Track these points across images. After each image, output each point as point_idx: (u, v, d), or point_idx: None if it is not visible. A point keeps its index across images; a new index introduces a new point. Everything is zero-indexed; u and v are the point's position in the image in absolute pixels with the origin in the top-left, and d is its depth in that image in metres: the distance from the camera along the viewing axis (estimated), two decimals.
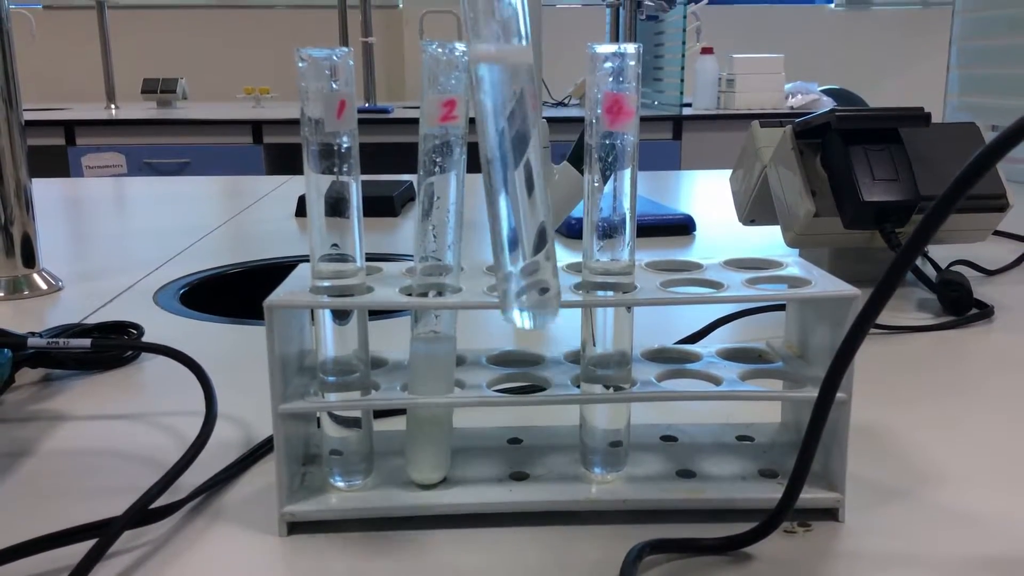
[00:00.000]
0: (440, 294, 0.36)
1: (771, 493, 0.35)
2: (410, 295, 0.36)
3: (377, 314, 0.65)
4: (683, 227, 0.99)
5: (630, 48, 0.33)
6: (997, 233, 0.88)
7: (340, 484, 0.37)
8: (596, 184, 0.35)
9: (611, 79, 0.33)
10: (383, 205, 1.11)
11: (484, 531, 0.35)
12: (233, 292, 0.83)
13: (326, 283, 0.35)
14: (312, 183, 0.34)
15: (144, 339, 0.58)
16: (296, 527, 0.36)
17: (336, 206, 0.35)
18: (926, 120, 0.70)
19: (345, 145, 0.34)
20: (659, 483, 0.38)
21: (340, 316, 0.36)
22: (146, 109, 3.05)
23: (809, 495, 0.35)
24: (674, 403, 0.47)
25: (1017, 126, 0.29)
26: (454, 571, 0.33)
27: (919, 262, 0.71)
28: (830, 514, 0.36)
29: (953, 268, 0.74)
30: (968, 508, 0.37)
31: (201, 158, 2.66)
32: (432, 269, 0.36)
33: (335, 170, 0.34)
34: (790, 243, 0.75)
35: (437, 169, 0.35)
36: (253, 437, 0.44)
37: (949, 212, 0.30)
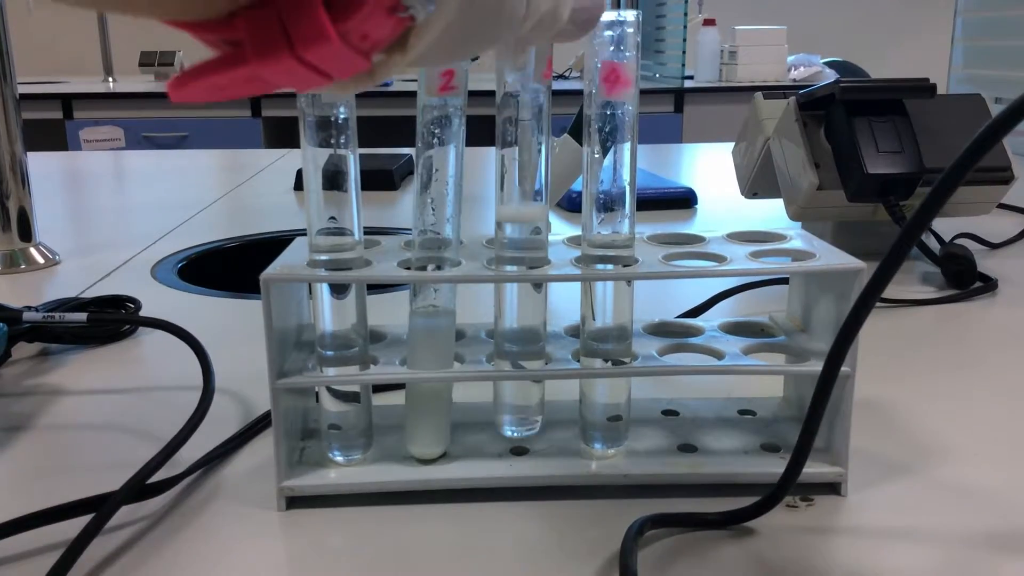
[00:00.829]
0: (439, 268, 0.35)
1: (773, 468, 0.35)
2: (409, 269, 0.35)
3: (376, 288, 0.65)
4: (685, 200, 0.98)
5: (629, 15, 0.33)
6: (1002, 206, 0.87)
7: (339, 459, 0.37)
8: (596, 156, 0.34)
9: (610, 48, 0.33)
10: (382, 179, 1.10)
11: (484, 506, 0.35)
12: (231, 266, 0.83)
13: (324, 256, 0.35)
14: (309, 156, 0.34)
15: (141, 313, 0.58)
16: (295, 502, 0.35)
17: (334, 179, 0.34)
18: (931, 91, 0.69)
19: (342, 117, 0.33)
20: (660, 457, 0.37)
21: (338, 290, 0.35)
22: (144, 82, 3.02)
23: (812, 469, 0.35)
24: (675, 377, 0.47)
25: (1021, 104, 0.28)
26: (454, 546, 0.33)
27: (923, 235, 0.71)
28: (833, 489, 0.36)
29: (957, 241, 0.74)
30: (971, 482, 0.37)
31: (200, 131, 2.64)
32: (431, 242, 0.35)
33: (332, 142, 0.33)
34: (793, 216, 0.74)
35: (436, 141, 0.34)
36: (251, 411, 0.44)
37: (956, 185, 0.29)
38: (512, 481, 0.36)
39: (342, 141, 0.33)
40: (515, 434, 0.38)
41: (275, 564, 0.32)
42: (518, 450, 0.38)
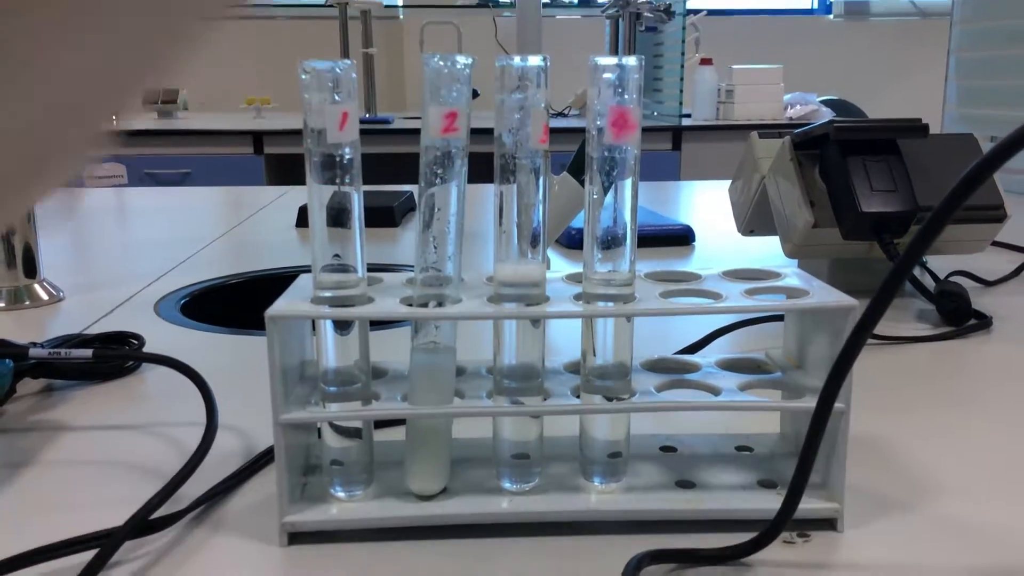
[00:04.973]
0: (440, 305, 0.36)
1: (770, 503, 0.35)
2: (410, 306, 0.36)
3: (378, 324, 0.65)
4: (683, 238, 0.99)
5: (631, 61, 0.34)
6: (995, 244, 0.88)
7: (341, 494, 0.37)
8: (596, 196, 0.35)
9: (613, 91, 0.34)
10: (383, 215, 1.11)
11: (484, 541, 0.36)
12: (234, 302, 0.83)
13: (327, 293, 0.36)
14: (314, 193, 0.34)
15: (145, 349, 0.58)
16: (297, 537, 0.36)
17: (338, 216, 0.35)
18: (924, 131, 0.70)
19: (347, 156, 0.34)
20: (659, 493, 0.38)
21: (341, 326, 0.36)
22: (147, 120, 3.06)
23: (808, 505, 0.35)
24: (673, 413, 0.47)
25: (1013, 137, 0.29)
26: None
27: (917, 273, 0.71)
28: (829, 524, 0.37)
29: (951, 279, 0.74)
30: (967, 518, 0.38)
31: (202, 169, 2.67)
32: (432, 280, 0.36)
33: (337, 181, 0.34)
34: (789, 254, 0.75)
35: (438, 180, 0.35)
36: (254, 447, 0.45)
37: (946, 222, 0.30)
38: (511, 517, 0.36)
39: (347, 180, 0.34)
40: (513, 487, 0.38)
41: None
42: None
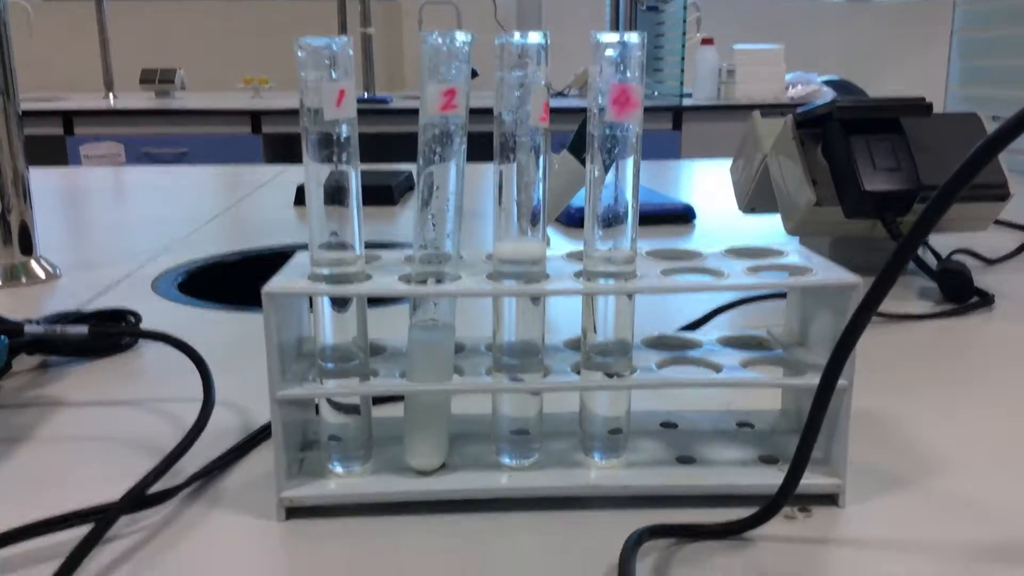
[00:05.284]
0: (439, 282, 0.35)
1: (771, 479, 0.35)
2: (409, 283, 0.35)
3: (376, 302, 0.65)
4: (683, 216, 0.98)
5: (634, 38, 0.33)
6: (998, 223, 0.87)
7: (338, 470, 0.37)
8: (597, 174, 0.35)
9: (615, 68, 0.33)
10: (382, 194, 1.11)
11: (483, 516, 0.35)
12: (232, 280, 0.83)
13: (325, 270, 0.35)
14: (311, 172, 0.34)
15: (142, 326, 0.58)
16: (294, 512, 0.35)
17: (335, 195, 0.35)
18: (927, 110, 0.69)
19: (344, 134, 0.34)
20: (659, 469, 0.38)
21: (339, 303, 0.36)
22: (144, 99, 3.04)
23: (809, 481, 0.35)
24: (674, 390, 0.47)
25: (1019, 117, 0.28)
26: (452, 556, 0.33)
27: (920, 251, 0.71)
28: (830, 500, 0.36)
29: (954, 257, 0.74)
30: (968, 495, 0.37)
31: (200, 148, 2.65)
32: (431, 257, 0.36)
33: (334, 159, 0.34)
34: (791, 232, 0.75)
35: (437, 158, 0.35)
36: (251, 424, 0.44)
37: (951, 202, 0.30)
38: (511, 492, 0.36)
39: (344, 157, 0.34)
40: (512, 463, 0.38)
41: (274, 573, 0.32)
42: None
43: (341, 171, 0.34)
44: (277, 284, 0.35)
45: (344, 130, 0.34)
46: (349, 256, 0.35)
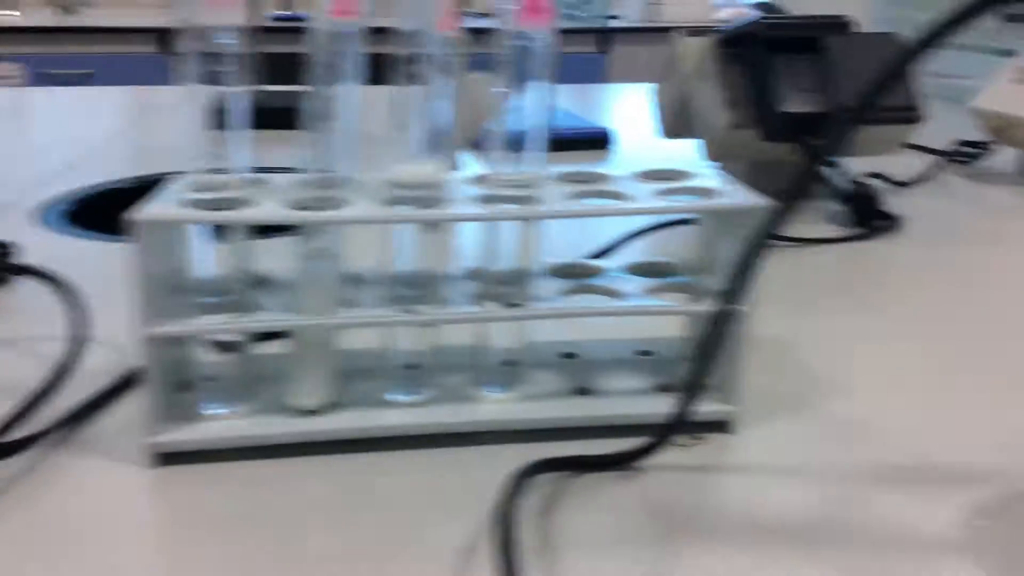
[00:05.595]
0: (327, 208, 0.33)
1: (666, 408, 0.34)
2: (296, 210, 0.33)
3: (266, 230, 0.62)
4: (600, 141, 0.96)
5: None
6: (915, 148, 0.88)
7: (215, 412, 0.35)
8: (506, 91, 0.33)
9: None
10: (281, 117, 1.05)
11: (372, 455, 0.34)
12: (127, 208, 0.78)
13: (205, 196, 0.33)
14: (193, 93, 0.31)
15: (22, 260, 0.54)
16: (170, 458, 0.33)
17: (218, 116, 0.32)
18: (845, 27, 0.68)
19: (228, 51, 0.31)
20: (554, 401, 0.37)
21: (219, 232, 0.33)
22: (46, 16, 2.85)
23: (704, 408, 0.34)
24: (578, 320, 0.46)
25: (923, 40, 0.27)
26: (337, 498, 0.31)
27: (831, 175, 0.71)
28: (725, 427, 0.36)
29: (865, 181, 0.74)
30: (861, 418, 0.38)
31: (106, 68, 2.51)
32: (324, 181, 0.33)
33: (217, 78, 0.31)
34: (711, 157, 0.74)
35: (331, 71, 0.32)
36: (132, 364, 0.42)
37: (855, 125, 0.29)
38: (399, 429, 0.35)
39: (227, 77, 0.31)
40: (404, 399, 0.36)
41: (144, 523, 0.30)
42: None
43: (224, 91, 0.31)
44: (148, 211, 0.32)
45: (227, 42, 0.31)
46: (232, 180, 0.33)
